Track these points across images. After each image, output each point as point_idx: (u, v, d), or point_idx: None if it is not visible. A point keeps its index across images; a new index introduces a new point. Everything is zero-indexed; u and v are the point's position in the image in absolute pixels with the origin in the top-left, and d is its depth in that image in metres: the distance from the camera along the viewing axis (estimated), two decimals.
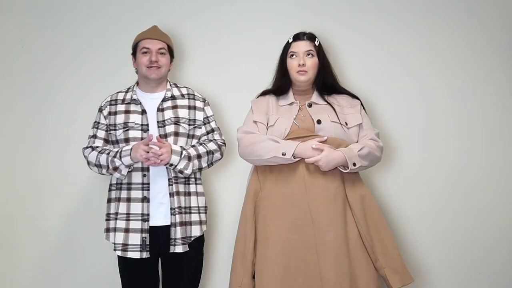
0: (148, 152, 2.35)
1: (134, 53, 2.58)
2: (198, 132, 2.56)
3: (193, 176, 2.50)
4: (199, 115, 2.57)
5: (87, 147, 2.53)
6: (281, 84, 2.49)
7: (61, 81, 3.06)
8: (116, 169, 2.40)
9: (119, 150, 2.41)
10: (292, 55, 2.45)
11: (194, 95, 2.62)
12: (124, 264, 2.46)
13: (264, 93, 2.55)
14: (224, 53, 3.04)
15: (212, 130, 2.59)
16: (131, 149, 2.38)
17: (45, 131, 3.04)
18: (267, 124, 2.42)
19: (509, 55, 3.00)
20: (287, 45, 2.48)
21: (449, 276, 2.94)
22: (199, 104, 2.59)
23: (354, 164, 2.28)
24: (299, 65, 2.41)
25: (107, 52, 3.05)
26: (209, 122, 2.59)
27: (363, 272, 2.26)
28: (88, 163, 2.50)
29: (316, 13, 3.03)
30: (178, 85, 2.64)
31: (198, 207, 2.51)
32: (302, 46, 2.44)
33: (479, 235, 2.94)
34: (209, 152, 2.51)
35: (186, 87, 2.65)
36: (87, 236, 2.97)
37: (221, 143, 2.58)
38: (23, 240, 2.99)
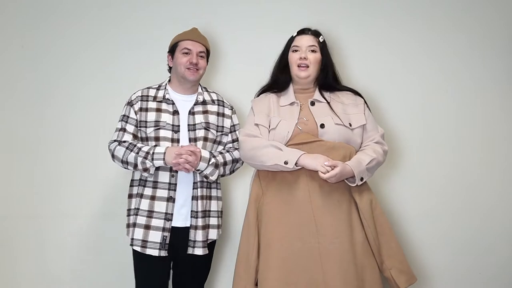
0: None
1: (171, 52, 2.55)
2: (225, 139, 2.57)
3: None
4: (227, 123, 2.59)
5: (114, 141, 2.47)
6: (280, 79, 2.44)
7: (61, 81, 3.05)
8: (146, 170, 2.38)
9: (151, 152, 2.38)
10: (295, 50, 2.40)
11: (223, 101, 2.64)
12: (140, 259, 2.45)
13: (263, 90, 2.50)
14: (226, 55, 3.04)
15: (238, 139, 2.56)
16: (165, 153, 2.36)
17: (45, 131, 3.03)
18: (269, 126, 2.37)
19: (509, 54, 2.99)
20: (291, 39, 2.44)
21: (449, 276, 2.95)
22: (227, 111, 2.61)
23: (362, 179, 2.26)
24: (301, 58, 2.36)
25: (107, 52, 3.05)
26: (235, 131, 2.60)
27: (369, 277, 2.24)
28: (113, 156, 2.45)
29: (316, 12, 3.03)
30: (208, 90, 2.64)
31: (217, 211, 2.54)
32: (306, 41, 2.39)
33: (479, 235, 2.94)
34: (234, 161, 2.53)
35: (216, 93, 2.66)
36: (87, 236, 2.97)
37: None
38: (23, 240, 2.99)
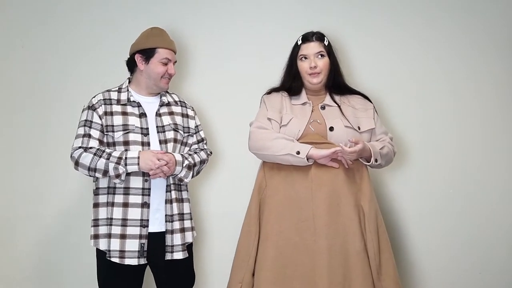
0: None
1: (145, 55, 2.46)
2: (190, 140, 2.55)
3: None
4: (191, 123, 2.57)
5: (78, 148, 2.37)
6: (292, 87, 2.47)
7: (61, 81, 3.06)
8: (118, 176, 2.31)
9: (123, 157, 2.31)
10: (303, 58, 2.43)
11: (185, 102, 2.63)
12: (112, 270, 2.37)
13: (275, 89, 2.53)
14: (222, 53, 3.03)
15: (202, 140, 2.61)
16: (138, 157, 2.31)
17: (45, 131, 3.04)
18: (281, 122, 2.40)
19: (510, 54, 2.99)
20: (296, 47, 2.46)
21: (449, 276, 2.94)
22: (190, 112, 2.61)
23: (376, 160, 2.31)
24: (311, 67, 2.39)
25: (108, 52, 3.05)
26: (199, 131, 2.61)
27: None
28: (78, 164, 2.35)
29: (319, 11, 3.02)
30: (168, 91, 2.60)
31: (190, 213, 2.51)
32: (312, 48, 2.42)
33: (479, 235, 2.94)
34: (202, 162, 2.53)
35: (176, 94, 2.65)
36: (87, 236, 2.97)
37: (209, 153, 2.62)
38: (23, 240, 2.99)
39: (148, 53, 2.45)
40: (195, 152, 2.52)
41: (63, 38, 3.07)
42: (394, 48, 3.01)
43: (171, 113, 2.51)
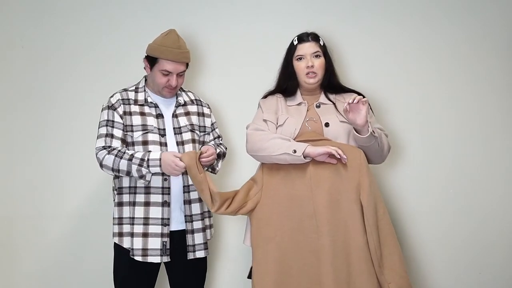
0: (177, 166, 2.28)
1: (150, 61, 2.45)
2: (207, 138, 2.58)
3: None
4: (207, 122, 2.59)
5: (102, 148, 2.37)
6: (288, 87, 2.48)
7: (61, 81, 3.05)
8: (142, 177, 2.33)
9: (145, 158, 2.30)
10: (299, 58, 2.43)
11: (200, 100, 2.63)
12: (130, 267, 2.39)
13: (271, 93, 2.54)
14: (226, 55, 3.03)
15: (219, 136, 2.64)
16: (160, 159, 2.30)
17: (45, 131, 3.04)
18: (277, 123, 2.42)
19: (508, 53, 2.99)
20: (292, 48, 2.46)
21: (449, 276, 2.95)
22: (206, 110, 2.61)
23: (374, 132, 2.28)
24: (308, 66, 2.40)
25: (107, 52, 3.05)
26: (215, 129, 2.63)
27: (364, 285, 2.23)
28: (102, 166, 2.37)
29: (319, 12, 3.02)
30: (184, 89, 2.62)
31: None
32: (309, 48, 2.42)
33: (479, 235, 2.94)
34: (224, 154, 2.58)
35: (191, 92, 2.65)
36: (87, 236, 2.98)
37: (225, 149, 2.65)
38: (23, 240, 3.00)
39: (151, 60, 2.45)
40: (217, 146, 2.57)
41: (63, 38, 3.07)
42: (393, 48, 3.00)
43: (187, 113, 2.53)
